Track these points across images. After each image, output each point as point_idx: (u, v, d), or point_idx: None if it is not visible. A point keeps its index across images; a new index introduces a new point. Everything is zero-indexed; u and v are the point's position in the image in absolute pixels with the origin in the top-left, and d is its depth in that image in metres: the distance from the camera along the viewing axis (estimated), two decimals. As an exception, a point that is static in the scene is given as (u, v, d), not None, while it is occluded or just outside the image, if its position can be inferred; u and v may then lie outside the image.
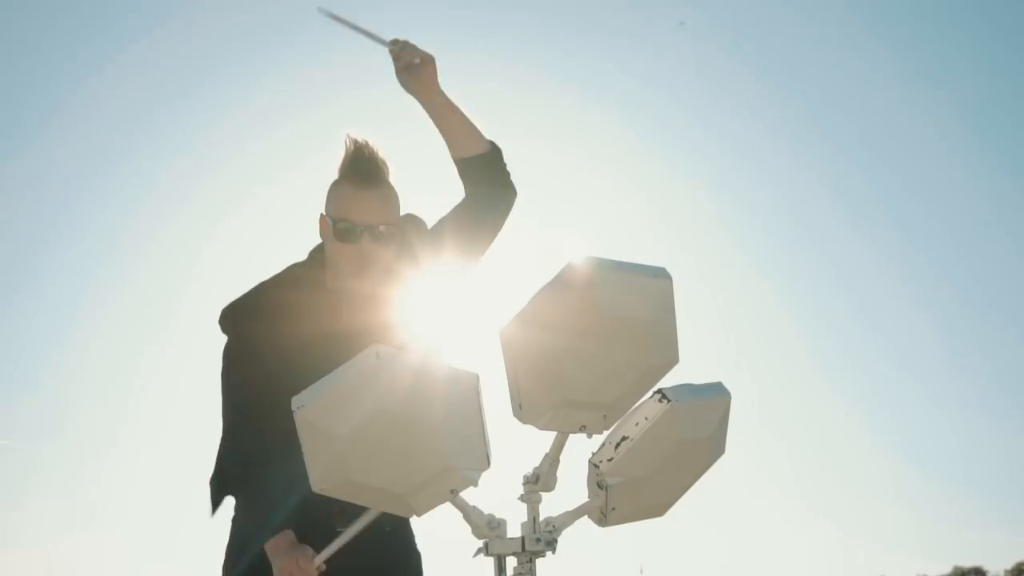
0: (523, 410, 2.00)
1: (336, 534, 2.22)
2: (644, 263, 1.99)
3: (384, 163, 2.54)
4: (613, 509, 2.17)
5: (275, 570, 2.29)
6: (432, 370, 1.94)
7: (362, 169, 2.51)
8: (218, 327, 2.56)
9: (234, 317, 2.54)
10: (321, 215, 2.56)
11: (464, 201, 2.69)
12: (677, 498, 2.28)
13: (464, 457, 1.98)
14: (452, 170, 2.73)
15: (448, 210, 2.70)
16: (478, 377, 1.97)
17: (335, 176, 2.57)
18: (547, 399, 1.99)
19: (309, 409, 1.92)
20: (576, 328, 1.95)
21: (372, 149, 2.54)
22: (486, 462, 2.00)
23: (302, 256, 2.65)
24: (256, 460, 2.43)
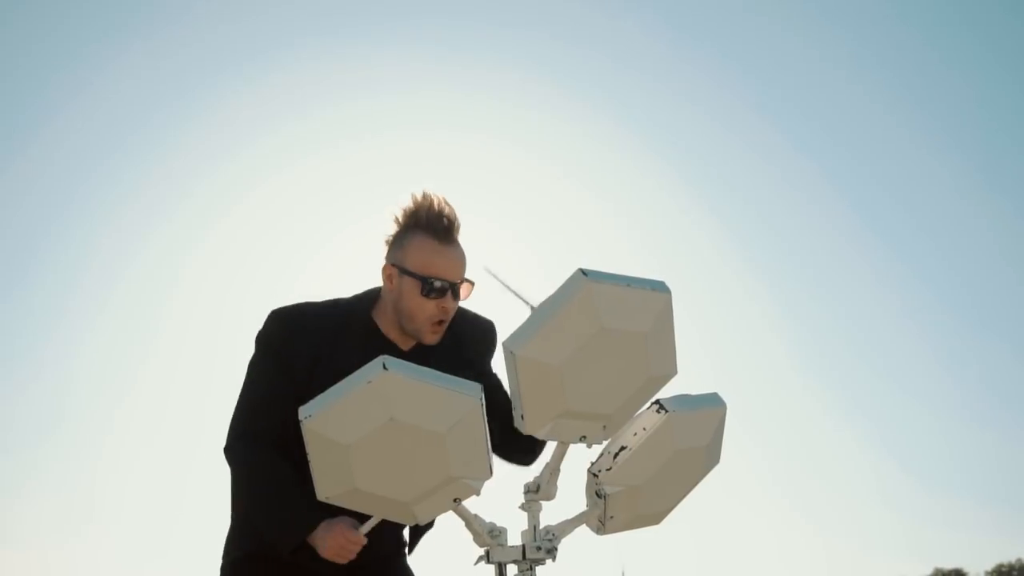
0: (525, 420, 2.04)
1: None
2: (644, 276, 2.03)
3: (459, 220, 2.52)
4: (611, 518, 2.21)
5: (322, 548, 2.29)
6: (437, 380, 1.98)
7: (444, 224, 2.49)
8: (262, 325, 2.51)
9: (280, 325, 2.50)
10: (392, 265, 2.51)
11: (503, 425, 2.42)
12: (673, 507, 2.33)
13: (467, 467, 2.02)
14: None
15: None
16: (481, 388, 2.01)
17: (399, 224, 2.52)
18: (549, 410, 2.03)
19: (316, 419, 1.96)
20: (578, 341, 1.99)
21: (449, 204, 2.52)
22: (488, 472, 2.05)
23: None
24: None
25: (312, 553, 2.34)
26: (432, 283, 2.42)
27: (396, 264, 2.47)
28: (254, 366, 2.49)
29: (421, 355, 2.44)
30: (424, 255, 2.46)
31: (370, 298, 2.55)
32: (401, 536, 2.63)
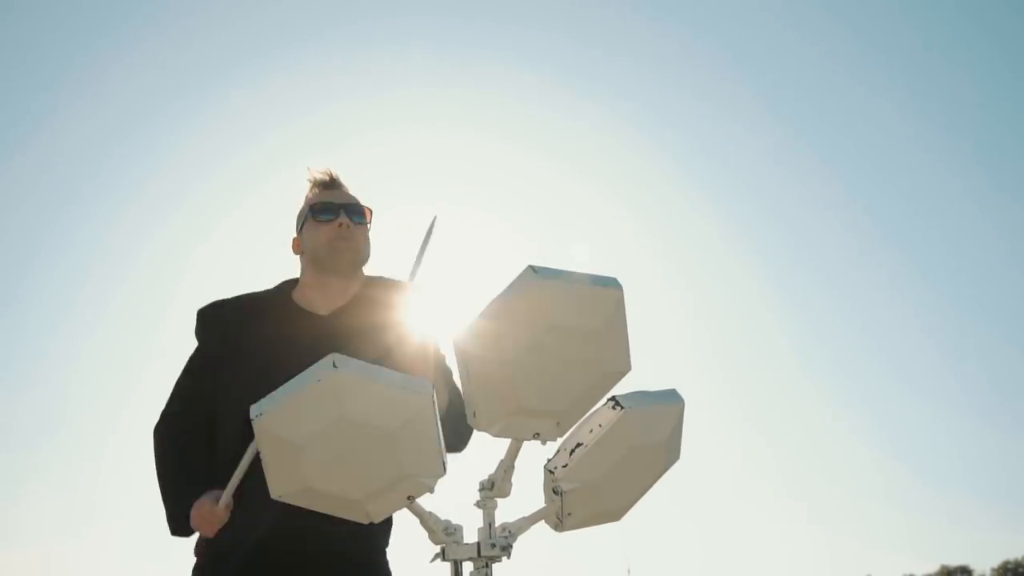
0: (477, 418, 2.04)
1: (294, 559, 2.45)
2: (595, 273, 2.03)
3: (343, 178, 2.81)
4: (568, 514, 2.21)
5: (193, 523, 2.53)
6: (387, 378, 1.98)
7: (327, 180, 2.78)
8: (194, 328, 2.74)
9: (204, 317, 2.72)
10: (295, 237, 2.79)
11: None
12: (633, 503, 2.32)
13: (420, 464, 2.02)
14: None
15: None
16: (433, 385, 2.01)
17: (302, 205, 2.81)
18: (500, 407, 2.03)
19: (267, 417, 1.96)
20: (527, 337, 1.99)
21: (331, 169, 2.80)
22: (442, 469, 2.04)
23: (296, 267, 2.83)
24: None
25: (284, 547, 2.41)
26: (316, 206, 2.70)
27: (297, 231, 2.76)
28: (190, 357, 2.73)
29: (340, 318, 2.59)
30: (309, 199, 2.75)
31: (292, 280, 2.72)
32: (379, 533, 2.65)
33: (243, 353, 2.60)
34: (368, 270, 2.76)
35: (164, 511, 2.61)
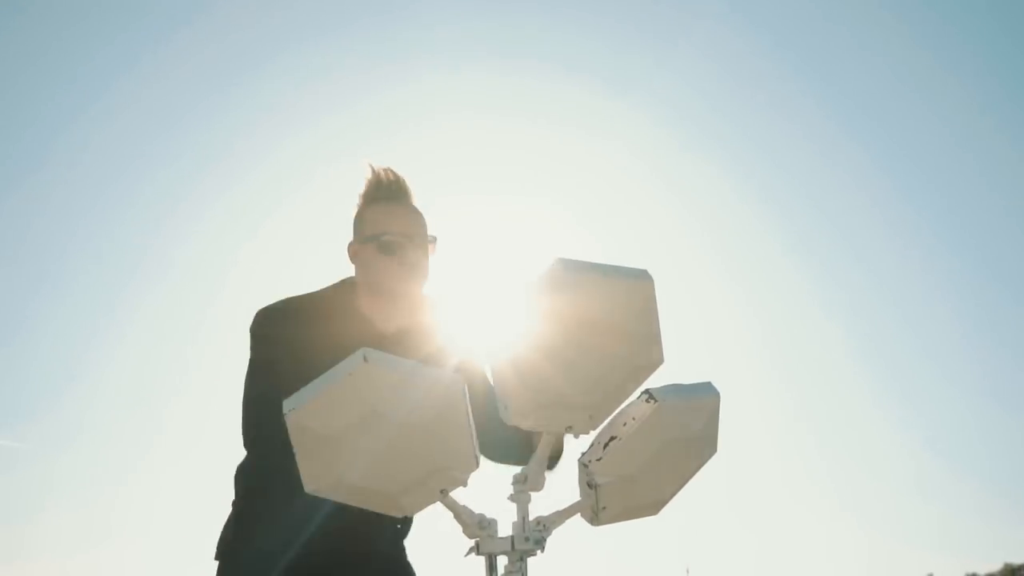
0: (509, 411, 2.04)
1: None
2: (626, 265, 2.02)
3: (409, 185, 2.64)
4: (604, 508, 2.20)
5: None
6: (419, 372, 1.98)
7: (392, 189, 2.61)
8: (248, 331, 2.60)
9: (266, 321, 2.58)
10: (351, 243, 2.64)
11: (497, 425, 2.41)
12: (670, 497, 2.31)
13: (452, 457, 2.02)
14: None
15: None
16: (463, 379, 2.01)
17: (359, 203, 2.65)
18: (532, 400, 2.03)
19: (300, 411, 1.98)
20: (558, 330, 1.98)
21: (395, 172, 2.63)
22: (474, 462, 2.05)
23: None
24: (275, 471, 2.44)
25: (310, 548, 2.39)
26: (384, 238, 2.49)
27: (356, 240, 2.59)
28: (249, 365, 2.58)
29: (403, 336, 2.50)
30: (374, 219, 2.59)
31: (351, 283, 2.62)
32: (399, 530, 2.66)
33: (304, 359, 2.39)
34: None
35: None
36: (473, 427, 2.03)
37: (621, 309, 2.00)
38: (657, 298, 2.03)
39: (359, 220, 2.62)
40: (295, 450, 2.01)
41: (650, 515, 2.33)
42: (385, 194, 2.60)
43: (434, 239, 2.61)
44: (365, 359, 1.95)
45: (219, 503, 2.69)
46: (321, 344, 2.45)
